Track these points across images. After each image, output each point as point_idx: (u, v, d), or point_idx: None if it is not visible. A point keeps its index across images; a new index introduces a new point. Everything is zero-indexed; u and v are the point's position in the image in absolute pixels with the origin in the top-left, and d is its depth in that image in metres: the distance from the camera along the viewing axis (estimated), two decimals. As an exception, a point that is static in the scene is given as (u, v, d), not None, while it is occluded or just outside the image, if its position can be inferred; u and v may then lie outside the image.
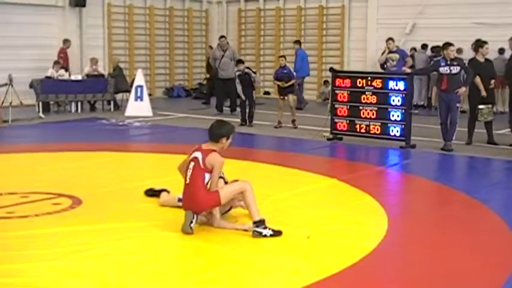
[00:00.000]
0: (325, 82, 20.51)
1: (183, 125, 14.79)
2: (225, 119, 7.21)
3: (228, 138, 6.51)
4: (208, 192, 6.38)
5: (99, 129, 14.36)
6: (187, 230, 6.34)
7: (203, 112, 17.44)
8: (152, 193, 7.83)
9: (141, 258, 5.73)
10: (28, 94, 16.65)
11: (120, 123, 15.36)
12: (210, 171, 6.37)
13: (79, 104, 17.53)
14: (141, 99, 17.08)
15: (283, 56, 15.73)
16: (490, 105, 12.33)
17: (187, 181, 6.47)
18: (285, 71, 15.02)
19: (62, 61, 18.21)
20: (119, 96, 18.44)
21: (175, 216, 6.59)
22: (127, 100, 17.52)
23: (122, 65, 19.60)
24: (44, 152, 11.22)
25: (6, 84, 15.55)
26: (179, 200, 6.98)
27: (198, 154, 6.41)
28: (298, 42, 19.77)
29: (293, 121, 14.74)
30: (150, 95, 18.56)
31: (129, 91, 17.59)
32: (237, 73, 15.04)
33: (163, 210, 7.32)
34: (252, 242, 6.21)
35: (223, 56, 17.70)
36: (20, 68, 17.42)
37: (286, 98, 14.88)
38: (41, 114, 16.36)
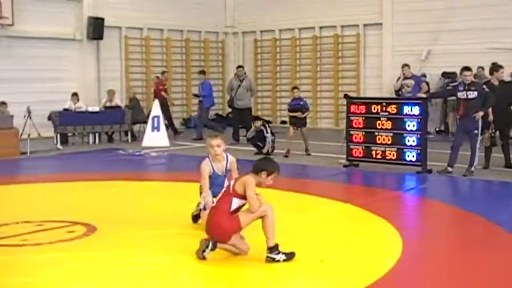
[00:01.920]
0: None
1: (200, 155, 14.79)
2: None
3: (268, 175, 6.42)
4: (229, 218, 6.32)
5: (116, 160, 14.44)
6: (200, 256, 6.31)
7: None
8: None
9: (154, 284, 5.71)
10: (46, 126, 16.84)
11: (137, 154, 15.44)
12: (239, 196, 6.30)
13: (97, 135, 17.69)
14: (158, 130, 17.19)
15: (297, 87, 15.74)
16: (492, 132, 12.20)
17: (213, 204, 6.50)
18: (301, 103, 15.05)
19: (162, 92, 19.52)
20: (136, 127, 18.59)
21: (191, 243, 6.56)
22: (144, 131, 17.64)
23: (138, 97, 20.00)
24: (60, 181, 11.31)
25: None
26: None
27: (231, 183, 6.47)
28: (203, 72, 19.40)
29: (307, 149, 14.79)
30: (166, 125, 18.66)
31: (146, 122, 17.71)
32: (253, 128, 15.04)
33: (178, 237, 7.28)
34: (266, 266, 6.16)
35: (239, 86, 17.80)
36: (39, 100, 17.61)
37: (299, 129, 14.88)
38: (59, 145, 16.51)
